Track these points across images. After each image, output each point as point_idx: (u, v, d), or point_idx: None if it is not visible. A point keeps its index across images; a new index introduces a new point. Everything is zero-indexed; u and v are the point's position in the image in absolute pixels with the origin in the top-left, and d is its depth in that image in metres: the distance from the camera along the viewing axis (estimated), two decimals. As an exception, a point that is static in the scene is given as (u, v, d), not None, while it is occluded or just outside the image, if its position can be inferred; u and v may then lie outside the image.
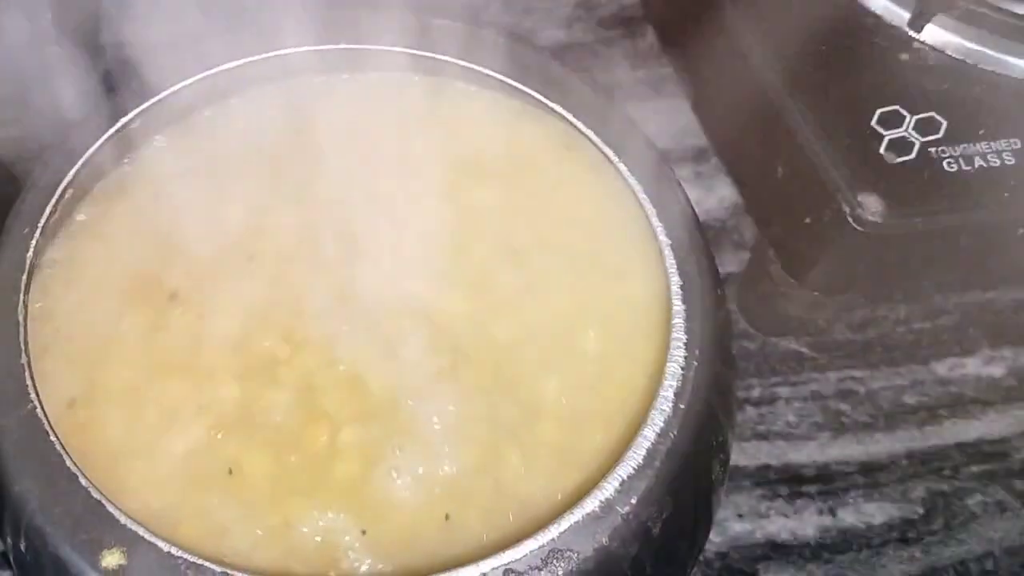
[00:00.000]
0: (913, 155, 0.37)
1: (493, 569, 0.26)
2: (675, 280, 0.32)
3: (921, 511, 0.44)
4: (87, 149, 0.33)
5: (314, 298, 0.33)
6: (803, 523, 0.44)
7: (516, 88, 0.36)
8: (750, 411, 0.46)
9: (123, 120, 0.34)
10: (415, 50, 0.37)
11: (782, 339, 0.48)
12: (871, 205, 0.36)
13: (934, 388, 0.47)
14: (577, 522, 0.27)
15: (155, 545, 0.26)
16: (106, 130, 0.34)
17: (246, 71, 0.37)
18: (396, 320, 0.33)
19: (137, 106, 0.34)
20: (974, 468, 0.45)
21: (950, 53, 0.40)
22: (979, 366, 0.48)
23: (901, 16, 0.40)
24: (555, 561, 0.27)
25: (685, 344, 0.30)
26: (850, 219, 0.36)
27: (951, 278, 0.48)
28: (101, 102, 0.35)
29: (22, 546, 0.28)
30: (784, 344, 0.48)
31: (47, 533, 0.27)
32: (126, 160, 0.36)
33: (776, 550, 0.43)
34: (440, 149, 0.37)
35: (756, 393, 0.47)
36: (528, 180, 0.37)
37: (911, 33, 0.40)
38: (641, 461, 0.28)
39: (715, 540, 0.43)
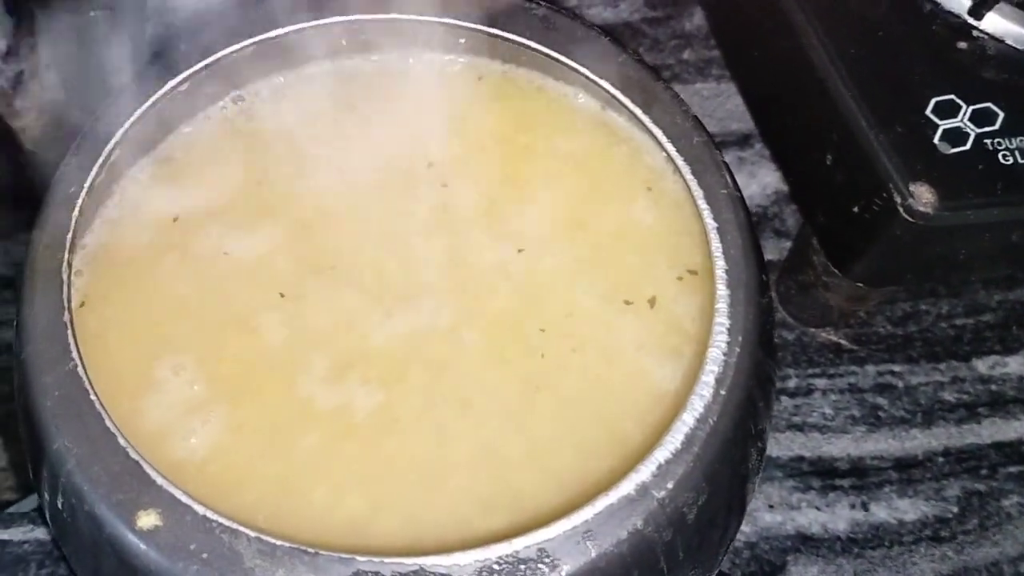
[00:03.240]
0: (968, 146, 0.37)
1: (526, 547, 0.26)
2: (720, 264, 0.31)
3: (955, 510, 0.44)
4: (135, 111, 0.33)
5: (383, 266, 0.34)
6: (835, 517, 0.43)
7: (557, 63, 0.36)
8: (786, 402, 0.46)
9: (172, 83, 0.34)
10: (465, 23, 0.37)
11: (821, 330, 0.48)
12: (923, 195, 0.35)
13: (974, 386, 0.47)
14: (612, 504, 0.27)
15: (191, 508, 0.26)
16: (154, 93, 0.34)
17: (305, 38, 0.37)
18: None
19: (188, 69, 0.34)
20: (1012, 469, 0.45)
21: (1010, 43, 0.39)
22: (1021, 365, 0.47)
23: (961, 3, 0.39)
24: (588, 542, 0.26)
25: (728, 329, 0.30)
26: (901, 209, 0.35)
27: (998, 274, 0.47)
28: (150, 65, 0.34)
29: (59, 503, 0.28)
30: (823, 335, 0.48)
31: (84, 491, 0.27)
32: (176, 124, 0.36)
33: (806, 543, 0.42)
34: (478, 121, 0.37)
35: (792, 384, 0.46)
36: (572, 159, 0.36)
37: (971, 21, 0.39)
38: (679, 446, 0.28)
39: (745, 530, 0.42)
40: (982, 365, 0.47)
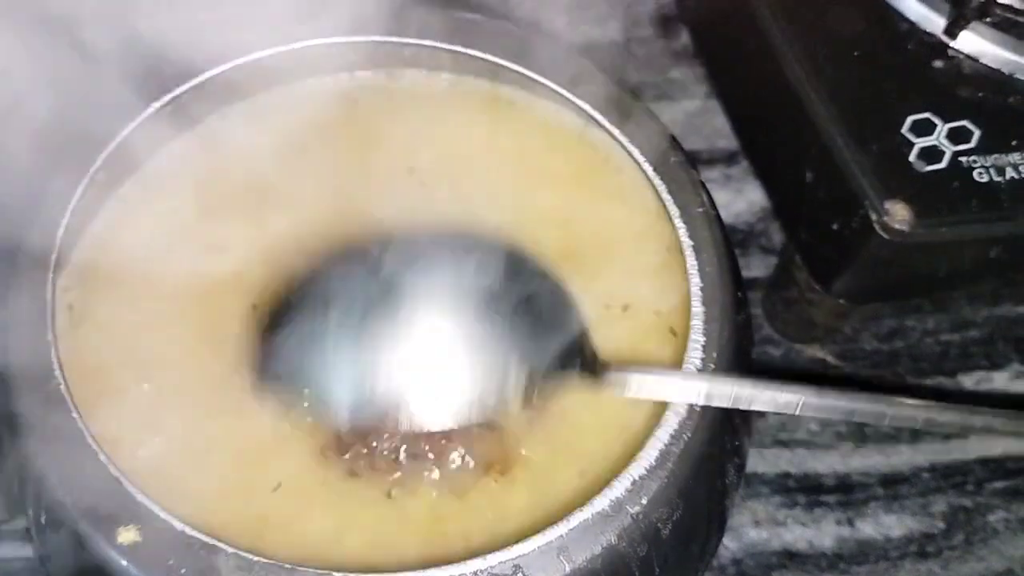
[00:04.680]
0: (944, 164, 0.37)
1: (501, 563, 0.26)
2: (695, 282, 0.31)
3: (942, 525, 0.44)
4: (121, 130, 0.34)
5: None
6: (821, 533, 0.43)
7: (538, 83, 0.36)
8: (772, 418, 0.46)
9: (159, 103, 0.35)
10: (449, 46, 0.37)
11: (807, 346, 0.48)
12: (899, 213, 0.35)
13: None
14: (586, 520, 0.27)
15: (170, 523, 0.27)
16: (139, 114, 0.34)
17: (290, 58, 0.37)
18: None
19: (171, 91, 0.35)
20: (997, 484, 0.45)
21: (985, 62, 0.39)
22: (1007, 381, 0.48)
23: (936, 23, 0.40)
24: (563, 557, 0.27)
25: (703, 346, 0.30)
26: (877, 227, 0.35)
27: (981, 290, 0.48)
28: (136, 87, 0.35)
29: (42, 520, 0.28)
30: (809, 352, 0.48)
31: (66, 508, 0.27)
32: (160, 145, 0.36)
33: (792, 559, 0.43)
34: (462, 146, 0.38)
35: (778, 400, 0.47)
36: (548, 177, 0.37)
37: (946, 40, 0.40)
38: (653, 462, 0.28)
39: (731, 546, 0.43)
40: (968, 381, 0.47)
